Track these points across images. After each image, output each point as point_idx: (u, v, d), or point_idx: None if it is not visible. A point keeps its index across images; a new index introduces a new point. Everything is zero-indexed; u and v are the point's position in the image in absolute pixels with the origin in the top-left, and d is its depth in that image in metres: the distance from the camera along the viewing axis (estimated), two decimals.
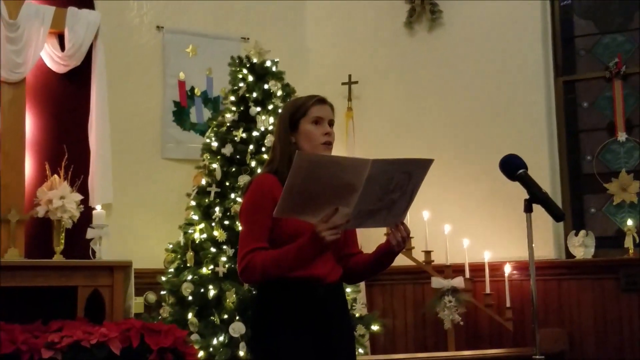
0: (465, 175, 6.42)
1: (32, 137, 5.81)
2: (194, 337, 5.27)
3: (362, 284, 6.15)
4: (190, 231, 5.65)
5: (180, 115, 6.48)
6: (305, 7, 7.11)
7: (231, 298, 5.31)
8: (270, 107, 5.82)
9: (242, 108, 5.85)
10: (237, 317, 5.27)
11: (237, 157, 5.73)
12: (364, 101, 6.85)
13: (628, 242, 5.97)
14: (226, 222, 5.56)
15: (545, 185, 5.84)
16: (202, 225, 5.61)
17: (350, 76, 6.84)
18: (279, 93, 5.89)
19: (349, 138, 6.59)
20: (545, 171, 6.19)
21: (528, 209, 2.76)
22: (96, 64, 5.95)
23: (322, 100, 2.90)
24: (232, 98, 5.88)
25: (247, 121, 5.81)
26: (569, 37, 6.61)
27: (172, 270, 5.67)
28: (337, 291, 2.91)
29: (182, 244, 5.67)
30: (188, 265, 5.57)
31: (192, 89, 6.54)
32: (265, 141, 5.67)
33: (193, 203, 5.74)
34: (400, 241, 2.76)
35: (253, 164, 5.63)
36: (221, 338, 5.26)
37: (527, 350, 5.48)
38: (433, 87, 6.68)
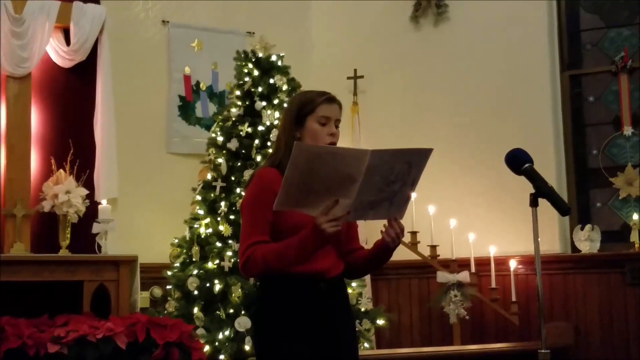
0: (470, 170, 6.41)
1: (37, 131, 5.82)
2: (200, 331, 5.28)
3: (368, 279, 6.16)
4: (195, 226, 5.65)
5: (186, 109, 6.48)
6: (311, 2, 7.10)
7: (237, 292, 5.32)
8: (276, 101, 5.82)
9: (247, 102, 5.85)
10: (243, 312, 5.28)
11: (243, 151, 5.73)
12: (370, 96, 6.84)
13: (634, 237, 5.96)
14: (232, 217, 5.57)
15: (551, 179, 5.83)
16: (207, 220, 5.62)
17: (355, 71, 6.83)
18: (285, 87, 5.89)
19: (354, 133, 6.59)
20: (551, 165, 6.18)
21: (534, 203, 2.75)
22: (101, 59, 5.95)
23: (331, 99, 2.87)
24: (238, 92, 5.88)
25: (252, 116, 5.81)
26: (575, 31, 6.59)
27: (177, 264, 5.67)
28: (339, 285, 2.91)
29: (187, 238, 5.68)
30: (194, 259, 5.57)
31: (198, 83, 6.54)
32: (271, 136, 5.67)
33: (198, 197, 5.74)
34: (394, 237, 2.75)
35: (258, 158, 5.63)
36: (227, 332, 5.27)
37: (532, 344, 5.48)
38: (439, 82, 6.67)
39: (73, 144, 5.78)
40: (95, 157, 5.88)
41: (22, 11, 5.65)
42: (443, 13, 6.69)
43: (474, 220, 6.27)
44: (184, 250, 5.68)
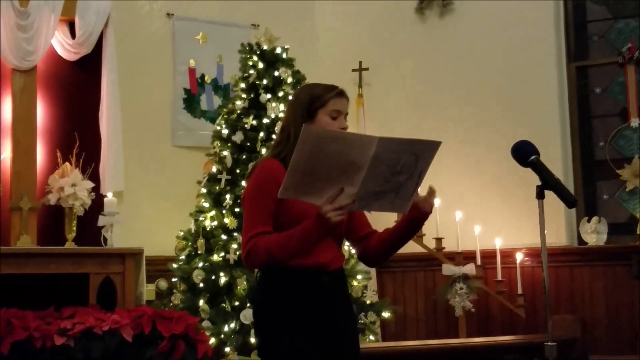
0: (476, 162, 6.40)
1: (43, 124, 5.82)
2: (205, 324, 5.29)
3: (373, 271, 6.15)
4: (201, 218, 5.66)
5: (191, 102, 6.48)
6: None
7: (242, 285, 5.32)
8: (281, 94, 5.81)
9: (252, 95, 5.84)
10: (248, 304, 5.28)
11: (248, 144, 5.73)
12: (375, 88, 6.83)
13: None
14: (237, 210, 5.56)
15: (558, 171, 5.83)
16: (212, 213, 5.62)
17: (360, 63, 6.82)
18: (289, 80, 5.88)
19: (359, 125, 6.58)
20: (557, 157, 6.17)
21: (540, 195, 2.74)
22: (107, 52, 5.95)
23: (341, 93, 2.87)
24: (243, 85, 5.87)
25: (257, 108, 5.80)
26: (581, 22, 6.57)
27: (183, 257, 5.68)
28: (340, 278, 2.90)
29: (193, 231, 5.69)
30: (199, 252, 5.58)
31: (203, 76, 6.54)
32: (276, 128, 5.66)
33: (204, 190, 5.74)
34: (432, 204, 2.79)
35: (263, 151, 5.63)
36: (232, 325, 5.28)
37: (538, 337, 5.48)
38: (444, 74, 6.66)
39: (79, 137, 5.79)
40: (100, 150, 5.89)
41: (28, 4, 5.64)
42: (448, 5, 6.67)
43: (479, 213, 6.26)
44: (190, 243, 5.68)
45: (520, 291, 5.96)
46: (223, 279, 5.39)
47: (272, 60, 5.92)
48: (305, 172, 2.51)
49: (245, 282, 5.32)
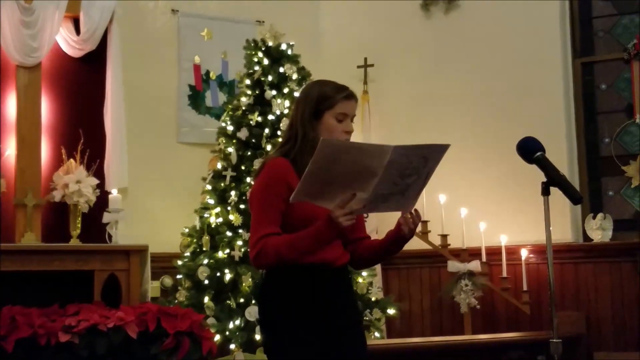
0: (482, 158, 6.39)
1: (48, 121, 5.83)
2: (210, 320, 5.30)
3: (378, 268, 6.15)
4: (206, 215, 5.66)
5: (196, 99, 6.48)
6: None
7: (247, 282, 5.33)
8: (286, 90, 5.81)
9: (257, 92, 5.84)
10: (253, 301, 5.29)
11: (253, 140, 5.73)
12: (380, 84, 6.82)
13: None
14: (242, 206, 5.56)
15: (563, 168, 5.81)
16: (217, 209, 5.62)
17: (366, 59, 6.81)
18: (295, 76, 5.87)
19: (364, 122, 6.57)
20: (562, 154, 6.16)
21: (545, 192, 2.74)
22: (111, 48, 5.96)
23: (350, 96, 2.86)
24: (248, 82, 5.87)
25: (262, 105, 5.80)
26: (587, 18, 6.55)
27: (188, 254, 5.68)
28: (345, 275, 2.91)
29: (197, 228, 5.69)
30: (204, 249, 5.58)
31: (208, 72, 6.54)
32: (281, 125, 5.66)
33: (209, 187, 5.74)
34: (412, 228, 2.75)
35: (269, 147, 5.62)
36: (237, 322, 5.28)
37: (544, 333, 5.47)
38: (449, 70, 6.64)
39: (83, 134, 5.79)
40: (105, 147, 5.90)
41: (32, 1, 5.65)
42: (453, 1, 6.65)
43: (485, 209, 6.26)
44: (195, 240, 5.68)
45: (525, 288, 5.95)
46: (228, 276, 5.39)
47: (277, 56, 5.92)
48: (321, 180, 2.53)
49: (250, 279, 5.33)
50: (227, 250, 5.47)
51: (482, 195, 6.36)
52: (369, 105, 6.66)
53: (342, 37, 6.99)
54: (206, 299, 5.42)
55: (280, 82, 5.84)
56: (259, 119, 5.74)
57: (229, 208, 5.60)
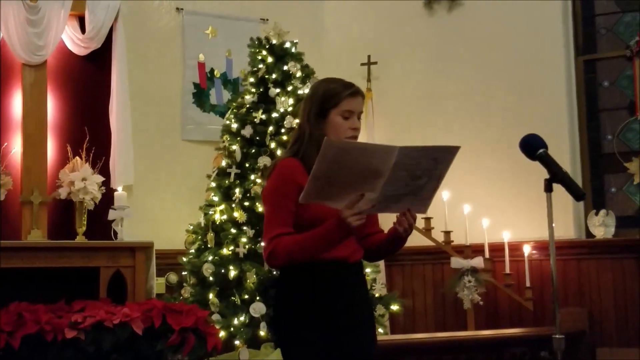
0: (485, 155, 6.40)
1: (53, 119, 5.85)
2: (215, 317, 5.31)
3: (382, 265, 6.17)
4: (210, 212, 5.68)
5: (200, 97, 6.50)
6: None
7: (252, 278, 5.34)
8: (290, 88, 5.83)
9: (261, 89, 5.85)
10: (258, 298, 5.31)
11: (257, 138, 5.74)
12: (384, 82, 6.83)
13: None
14: (246, 203, 5.59)
15: (566, 164, 5.83)
16: (222, 207, 5.64)
17: (369, 57, 6.82)
18: (298, 74, 5.89)
19: (368, 119, 6.58)
20: (565, 151, 6.17)
21: (548, 188, 2.75)
22: (116, 46, 5.98)
23: (355, 93, 2.88)
24: (252, 79, 5.89)
25: (266, 102, 5.82)
26: (589, 16, 6.55)
27: (193, 251, 5.71)
28: (358, 271, 2.94)
29: (202, 225, 5.71)
30: (209, 246, 5.60)
31: (212, 70, 6.56)
32: (285, 122, 5.68)
33: (213, 184, 5.76)
34: (406, 227, 2.77)
35: (273, 145, 5.64)
36: (242, 318, 5.30)
37: (547, 330, 5.48)
38: (453, 68, 6.65)
39: (89, 132, 5.82)
40: (110, 145, 5.92)
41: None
42: None
43: (488, 206, 6.27)
44: (199, 237, 5.70)
45: (528, 284, 5.96)
46: (233, 273, 5.42)
47: (281, 54, 5.93)
48: (327, 180, 2.55)
49: (254, 276, 5.35)
50: (232, 247, 5.50)
51: (485, 191, 6.37)
52: (372, 102, 6.68)
53: (346, 34, 7.00)
54: (211, 296, 5.44)
55: (284, 79, 5.86)
56: (263, 116, 5.76)
57: (233, 205, 5.63)
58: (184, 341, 4.78)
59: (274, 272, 5.31)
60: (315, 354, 2.77)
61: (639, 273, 5.88)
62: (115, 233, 5.58)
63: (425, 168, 2.59)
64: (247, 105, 5.83)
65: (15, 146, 5.66)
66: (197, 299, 5.45)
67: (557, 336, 2.72)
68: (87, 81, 6.02)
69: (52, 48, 5.74)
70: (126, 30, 6.04)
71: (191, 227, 5.80)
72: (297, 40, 6.01)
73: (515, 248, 6.07)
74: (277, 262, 2.77)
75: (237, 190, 5.63)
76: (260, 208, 5.48)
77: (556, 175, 2.74)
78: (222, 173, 5.77)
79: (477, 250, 6.07)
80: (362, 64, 6.81)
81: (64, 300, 4.94)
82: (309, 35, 6.70)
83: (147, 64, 6.30)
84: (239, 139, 5.77)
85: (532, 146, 2.83)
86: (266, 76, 5.84)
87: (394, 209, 2.72)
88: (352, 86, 2.89)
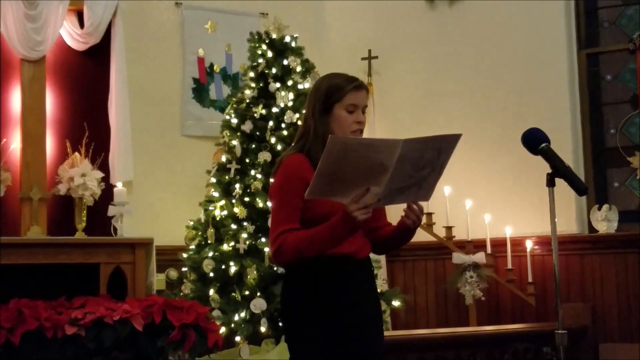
0: (486, 150, 6.38)
1: (52, 115, 5.83)
2: (216, 313, 5.30)
3: (383, 260, 6.16)
4: (210, 208, 5.66)
5: (200, 92, 6.48)
6: None
7: (252, 274, 5.33)
8: (290, 83, 5.80)
9: (261, 84, 5.83)
10: (258, 294, 5.29)
11: (257, 133, 5.72)
12: (384, 76, 6.81)
13: None
14: (246, 199, 5.57)
15: (568, 159, 5.80)
16: (222, 202, 5.63)
17: (370, 51, 6.80)
18: (299, 69, 5.86)
19: (369, 114, 6.54)
20: (568, 145, 6.14)
21: (550, 183, 2.74)
22: (115, 41, 5.96)
23: (359, 87, 2.87)
24: (252, 74, 5.86)
25: (266, 97, 5.80)
26: (592, 9, 6.53)
27: (193, 247, 5.69)
28: (366, 266, 2.94)
29: (202, 220, 5.69)
30: (209, 242, 5.59)
31: (212, 65, 6.53)
32: (285, 117, 5.66)
33: (213, 180, 5.74)
34: (414, 219, 2.77)
35: (273, 140, 5.62)
36: (242, 314, 5.28)
37: (549, 325, 5.47)
38: (454, 62, 6.63)
39: (88, 127, 5.80)
40: (110, 140, 5.91)
41: None
42: None
43: (489, 201, 6.25)
44: (199, 233, 5.69)
45: (530, 279, 5.95)
46: (233, 269, 5.40)
47: (281, 49, 5.91)
48: (332, 176, 2.56)
49: (255, 272, 5.33)
50: (232, 243, 5.48)
51: (487, 186, 6.36)
52: (373, 97, 6.65)
53: (346, 29, 6.97)
54: (211, 292, 5.43)
55: (285, 74, 5.84)
56: (263, 111, 5.73)
57: (233, 201, 5.61)
58: (184, 337, 4.77)
59: (275, 268, 5.30)
60: (320, 351, 2.78)
61: None
62: (115, 229, 5.56)
63: (428, 159, 2.60)
64: (247, 101, 5.81)
65: (14, 142, 5.64)
66: (198, 295, 5.44)
67: (559, 331, 2.71)
68: (86, 77, 6.00)
69: (50, 43, 5.72)
70: (125, 25, 6.02)
71: (191, 223, 5.79)
72: (297, 35, 5.99)
73: (518, 243, 6.05)
74: (284, 259, 2.76)
75: (237, 186, 5.61)
76: (260, 204, 5.46)
77: (558, 170, 2.72)
78: (222, 169, 5.75)
79: (479, 245, 6.06)
80: (363, 59, 6.79)
81: (64, 296, 4.93)
82: (309, 29, 6.68)
83: (146, 59, 6.28)
84: (239, 134, 5.74)
85: (534, 140, 2.81)
86: (266, 71, 5.82)
87: (398, 201, 2.73)
88: (356, 80, 2.88)
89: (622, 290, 5.93)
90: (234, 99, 5.94)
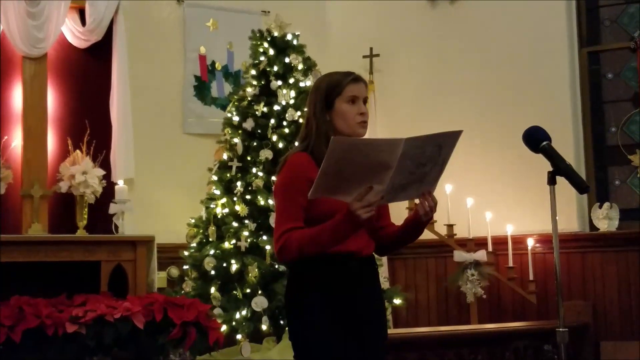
0: (487, 148, 6.38)
1: (54, 112, 5.83)
2: (217, 311, 5.30)
3: (385, 258, 6.16)
4: (212, 206, 5.66)
5: (201, 89, 6.48)
6: None
7: (253, 272, 5.33)
8: (291, 80, 5.80)
9: (263, 82, 5.83)
10: (260, 291, 5.29)
11: (259, 131, 5.72)
12: (386, 74, 6.81)
13: None
14: (248, 197, 5.57)
15: (569, 157, 5.78)
16: (223, 200, 5.63)
17: (371, 49, 6.79)
18: (300, 67, 5.86)
19: (370, 112, 6.54)
20: (569, 143, 6.14)
21: (552, 181, 2.73)
22: (117, 39, 5.96)
23: (357, 79, 2.89)
24: (253, 72, 5.86)
25: (268, 95, 5.80)
26: (593, 7, 6.52)
27: (194, 244, 5.69)
28: (370, 264, 2.94)
29: (204, 218, 5.69)
30: (210, 239, 5.58)
31: (213, 63, 6.53)
32: (286, 115, 5.65)
33: (215, 178, 5.74)
34: (428, 210, 2.77)
35: (274, 138, 5.62)
36: (244, 312, 5.28)
37: (550, 323, 5.47)
38: (455, 60, 6.63)
39: (89, 125, 5.80)
40: (111, 138, 5.91)
41: None
42: None
43: (491, 199, 6.25)
44: (201, 230, 5.69)
45: (531, 277, 5.95)
46: (234, 267, 5.40)
47: (282, 46, 5.91)
48: (336, 176, 2.57)
49: (256, 270, 5.33)
50: (234, 241, 5.48)
51: (488, 185, 6.35)
52: (375, 94, 6.65)
53: (348, 27, 6.97)
54: (212, 290, 5.43)
55: (286, 72, 5.83)
56: (265, 109, 5.73)
57: (235, 199, 5.60)
58: (185, 335, 4.77)
59: (276, 266, 5.30)
60: (323, 348, 2.77)
61: None
62: (116, 227, 5.57)
63: (429, 155, 2.61)
64: (249, 98, 5.80)
65: (16, 139, 5.64)
66: (199, 293, 5.44)
67: (560, 329, 2.71)
68: (87, 74, 6.00)
69: (52, 41, 5.72)
70: (127, 22, 6.02)
71: (192, 221, 5.78)
72: (298, 33, 5.98)
73: (519, 241, 6.05)
74: (288, 257, 2.77)
75: (238, 184, 5.61)
76: (261, 201, 5.46)
77: (559, 168, 2.71)
78: (223, 166, 5.75)
79: (480, 243, 6.06)
80: (365, 56, 6.78)
81: (64, 294, 4.93)
82: (311, 27, 6.67)
83: (148, 57, 6.27)
84: (240, 132, 5.74)
85: (536, 139, 2.80)
86: (268, 69, 5.81)
87: (401, 198, 2.74)
88: (353, 73, 2.91)
89: (623, 288, 5.93)
90: (235, 97, 5.94)
